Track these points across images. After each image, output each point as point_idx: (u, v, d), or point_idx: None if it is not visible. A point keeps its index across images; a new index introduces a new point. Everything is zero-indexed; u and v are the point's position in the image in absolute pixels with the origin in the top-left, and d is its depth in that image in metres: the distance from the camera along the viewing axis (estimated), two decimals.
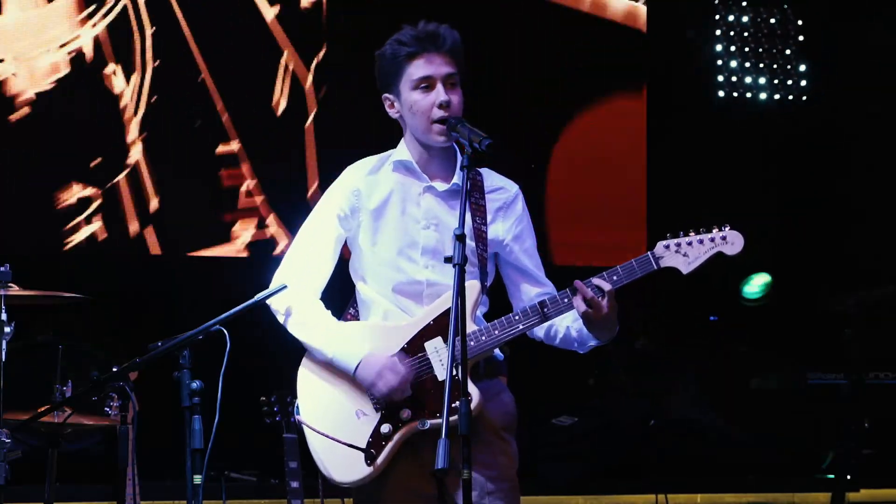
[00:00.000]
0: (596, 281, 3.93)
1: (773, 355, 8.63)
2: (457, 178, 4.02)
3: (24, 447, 5.15)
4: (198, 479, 3.81)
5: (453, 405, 3.62)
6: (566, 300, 3.95)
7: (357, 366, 3.92)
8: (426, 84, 3.99)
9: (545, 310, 3.96)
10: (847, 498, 6.99)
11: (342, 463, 3.92)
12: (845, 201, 9.21)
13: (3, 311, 4.47)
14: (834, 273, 8.90)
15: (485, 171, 4.16)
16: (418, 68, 3.99)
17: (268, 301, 4.01)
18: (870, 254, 9.07)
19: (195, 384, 3.85)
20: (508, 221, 4.12)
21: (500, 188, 4.15)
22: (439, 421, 3.57)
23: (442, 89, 3.98)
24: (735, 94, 9.31)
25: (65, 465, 5.73)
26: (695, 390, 8.53)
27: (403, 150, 4.09)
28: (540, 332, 4.11)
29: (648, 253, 3.98)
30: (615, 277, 3.93)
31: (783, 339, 8.75)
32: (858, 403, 7.00)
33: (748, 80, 9.30)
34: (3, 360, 4.42)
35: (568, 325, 4.07)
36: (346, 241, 4.11)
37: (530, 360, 4.51)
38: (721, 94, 9.30)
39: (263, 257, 8.27)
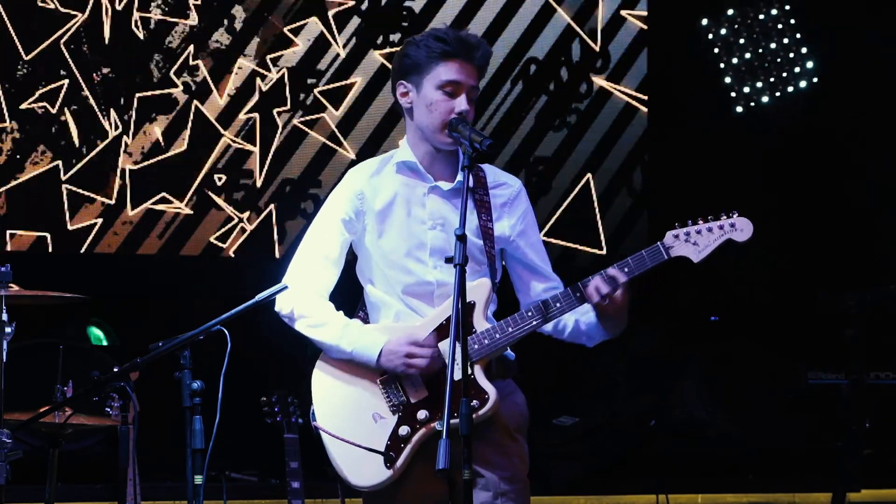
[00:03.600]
0: (611, 272, 3.91)
1: (773, 355, 8.61)
2: (461, 177, 3.94)
3: (25, 447, 5.14)
4: (198, 479, 3.81)
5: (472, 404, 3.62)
6: (578, 294, 3.94)
7: (379, 355, 3.91)
8: (451, 88, 3.97)
9: (557, 305, 3.95)
10: (847, 498, 6.98)
11: (361, 467, 3.91)
12: (846, 200, 9.20)
13: (4, 311, 4.47)
14: (834, 273, 8.89)
15: (487, 167, 4.16)
16: (450, 70, 3.97)
17: (276, 308, 4.01)
18: (871, 253, 9.07)
19: (196, 384, 3.85)
20: (514, 217, 4.11)
21: (504, 184, 4.13)
22: (456, 421, 3.56)
23: (465, 99, 3.96)
24: (737, 94, 9.31)
25: (66, 466, 5.73)
26: (695, 390, 8.51)
27: (407, 151, 4.08)
28: (549, 326, 4.08)
29: (658, 243, 3.97)
30: (626, 269, 3.91)
31: (783, 338, 8.74)
32: (858, 403, 6.98)
33: (749, 79, 9.29)
34: (4, 360, 4.42)
35: (577, 318, 4.06)
36: (351, 245, 4.10)
37: (530, 360, 4.50)
38: (723, 93, 9.30)
39: (263, 257, 8.26)
